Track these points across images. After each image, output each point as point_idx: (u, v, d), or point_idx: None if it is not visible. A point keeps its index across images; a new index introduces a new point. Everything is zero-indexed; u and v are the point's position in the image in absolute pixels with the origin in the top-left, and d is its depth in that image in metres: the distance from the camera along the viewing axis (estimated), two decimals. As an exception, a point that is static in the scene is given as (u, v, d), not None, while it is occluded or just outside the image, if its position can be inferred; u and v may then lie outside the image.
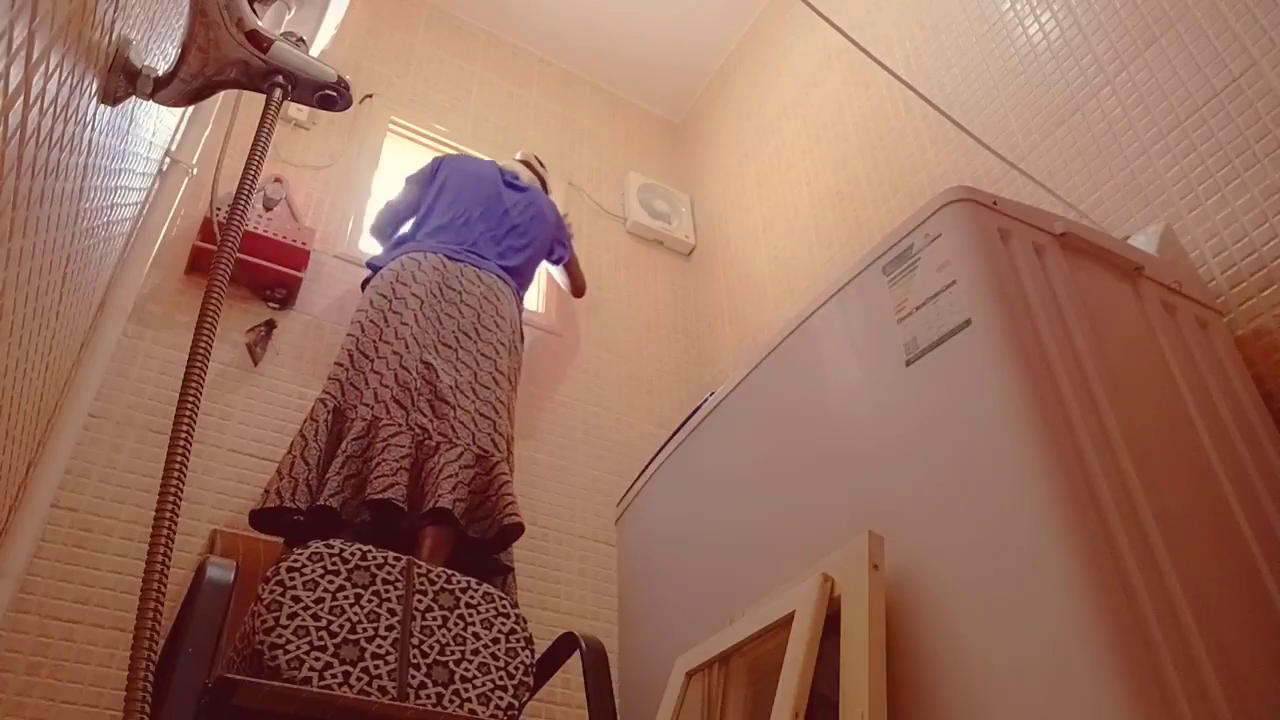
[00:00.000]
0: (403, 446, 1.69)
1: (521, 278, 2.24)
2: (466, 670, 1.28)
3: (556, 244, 2.47)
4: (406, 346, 1.83)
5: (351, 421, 1.72)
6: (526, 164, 2.57)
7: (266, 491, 1.60)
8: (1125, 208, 1.60)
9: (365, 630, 1.23)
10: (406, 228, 2.25)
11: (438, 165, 2.36)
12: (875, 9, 2.55)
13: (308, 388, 2.12)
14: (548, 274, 2.84)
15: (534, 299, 2.80)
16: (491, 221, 2.22)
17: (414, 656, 1.25)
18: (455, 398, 1.81)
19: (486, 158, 2.53)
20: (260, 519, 1.60)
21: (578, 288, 2.66)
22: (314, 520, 1.59)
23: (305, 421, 1.71)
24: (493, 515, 1.71)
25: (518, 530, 1.71)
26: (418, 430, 1.74)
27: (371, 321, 1.87)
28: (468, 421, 1.79)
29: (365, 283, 2.11)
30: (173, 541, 0.89)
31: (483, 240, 2.17)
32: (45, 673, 1.57)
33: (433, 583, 1.35)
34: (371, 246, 2.51)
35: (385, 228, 2.28)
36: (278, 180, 2.33)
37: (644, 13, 3.29)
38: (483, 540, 1.70)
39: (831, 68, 2.72)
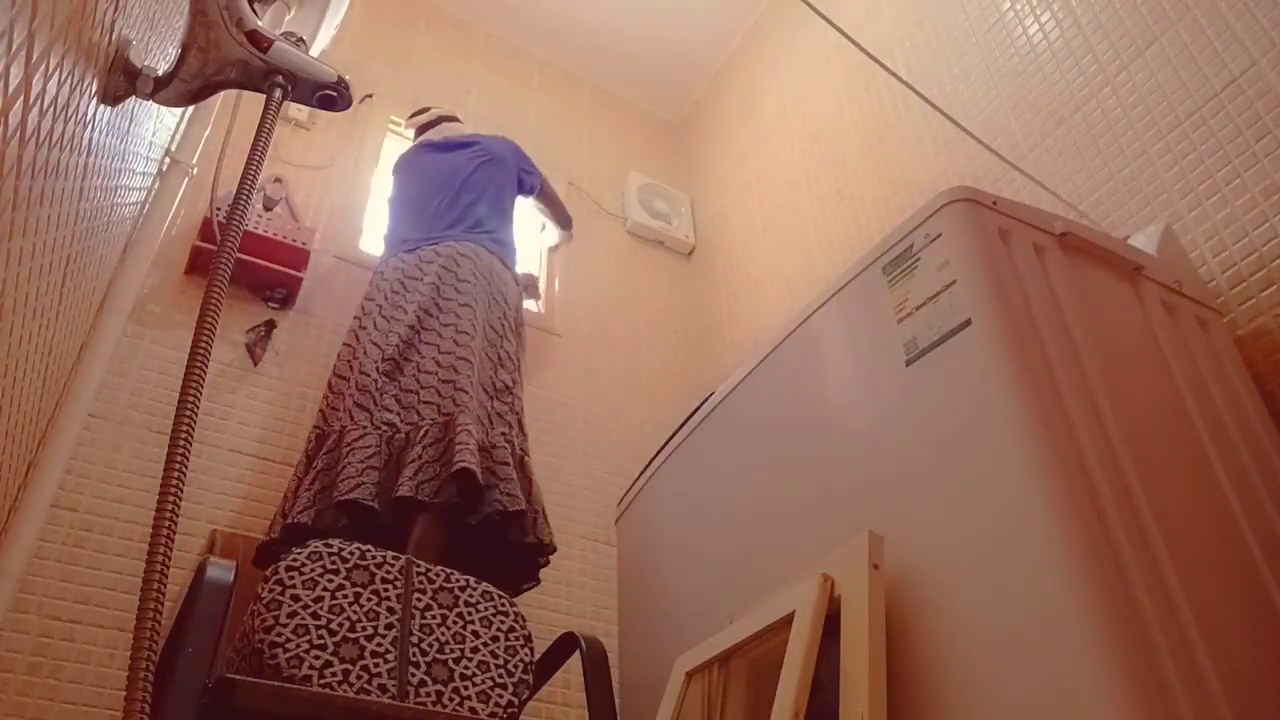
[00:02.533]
0: (369, 447, 1.68)
1: (492, 223, 2.18)
2: (466, 668, 1.28)
3: (522, 173, 2.41)
4: (366, 353, 1.84)
5: (326, 439, 1.74)
6: (441, 120, 2.52)
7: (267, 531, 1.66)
8: (1125, 208, 1.60)
9: (364, 628, 1.23)
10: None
11: (393, 173, 2.39)
12: (875, 9, 2.55)
13: (308, 388, 2.12)
14: (545, 273, 2.85)
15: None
16: (439, 196, 2.19)
17: (413, 655, 1.25)
18: (419, 381, 1.79)
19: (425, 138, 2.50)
20: (260, 559, 1.65)
21: (561, 217, 2.61)
22: (294, 540, 1.57)
23: (299, 459, 1.76)
24: (447, 468, 1.65)
25: (465, 475, 1.62)
26: (384, 428, 1.72)
27: (346, 345, 1.91)
28: (431, 398, 1.76)
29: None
30: (173, 541, 0.89)
31: (438, 218, 2.14)
32: (45, 673, 1.57)
33: (432, 581, 1.35)
34: (372, 246, 2.51)
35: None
36: (278, 180, 2.33)
37: (644, 13, 3.29)
38: (463, 506, 1.66)
39: (831, 67, 2.72)
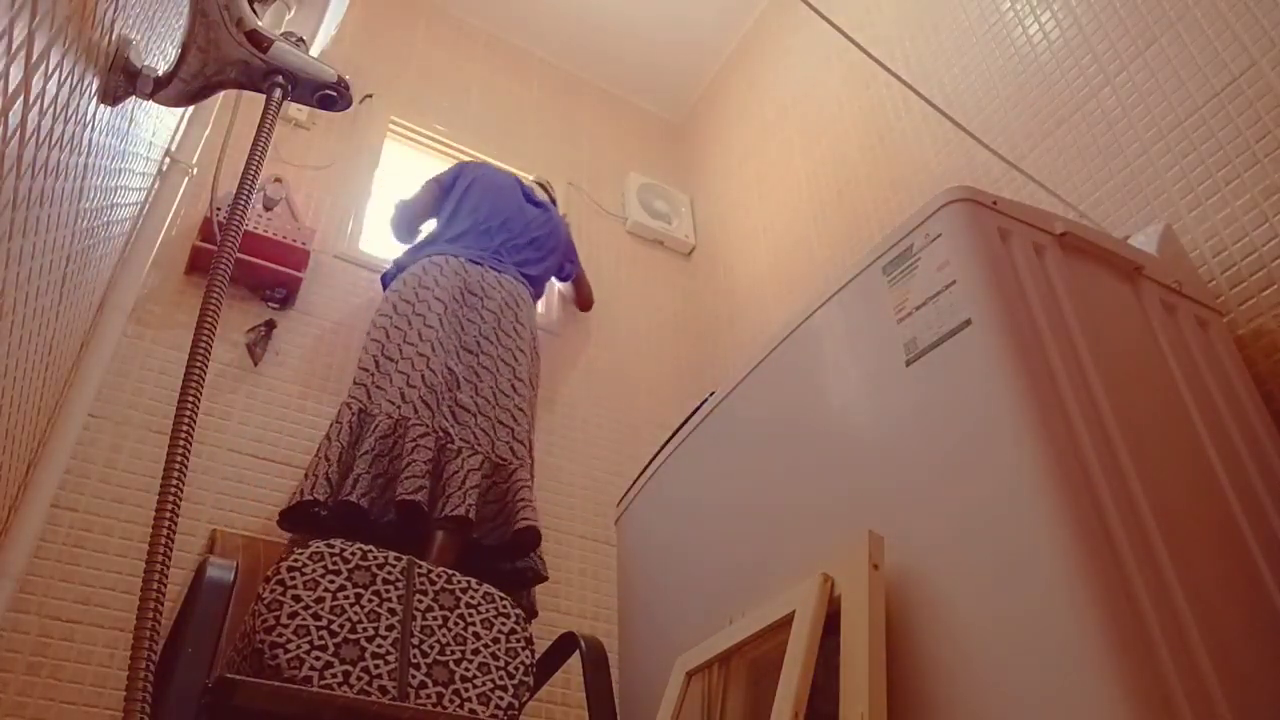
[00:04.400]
0: (429, 449, 1.71)
1: (537, 287, 2.29)
2: (467, 670, 1.28)
3: (566, 261, 2.54)
4: (432, 349, 1.86)
5: (376, 421, 1.74)
6: (540, 185, 2.63)
7: (294, 493, 1.66)
8: (1125, 208, 1.60)
9: (365, 630, 1.23)
10: (430, 228, 2.29)
11: (460, 170, 2.40)
12: (875, 9, 2.55)
13: (308, 388, 2.12)
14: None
15: (534, 299, 2.80)
16: (513, 231, 2.27)
17: (414, 656, 1.25)
18: (476, 405, 1.84)
19: (506, 169, 2.57)
20: (288, 518, 1.66)
21: (585, 301, 2.72)
22: (341, 516, 1.62)
23: (331, 425, 1.76)
24: (508, 521, 1.73)
25: (531, 535, 1.72)
26: (440, 433, 1.77)
27: (395, 326, 1.91)
28: (488, 429, 1.82)
29: (384, 279, 2.17)
30: (173, 541, 0.89)
31: (504, 248, 2.21)
32: (45, 673, 1.57)
33: (433, 583, 1.35)
34: (372, 247, 2.51)
35: (403, 226, 2.32)
36: (278, 180, 2.33)
37: (644, 13, 3.29)
38: (498, 547, 1.73)
39: (831, 67, 2.72)
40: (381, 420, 1.73)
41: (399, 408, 1.75)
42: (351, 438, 1.72)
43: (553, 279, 2.56)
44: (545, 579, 1.83)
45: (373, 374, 1.83)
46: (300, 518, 1.65)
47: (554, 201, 2.63)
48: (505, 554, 1.77)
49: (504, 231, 2.24)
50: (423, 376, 1.81)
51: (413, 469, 1.66)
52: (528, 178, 2.67)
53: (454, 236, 2.17)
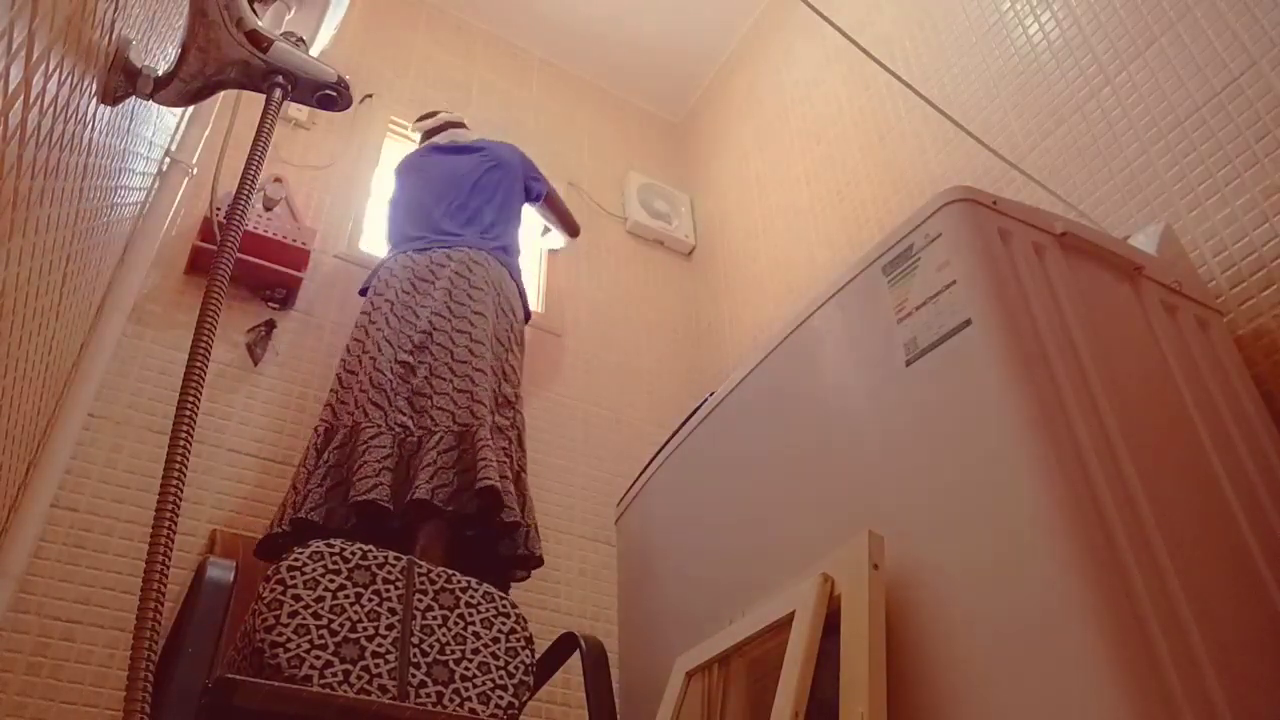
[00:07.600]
0: (384, 447, 1.68)
1: (500, 228, 2.19)
2: (466, 669, 1.28)
3: (530, 181, 2.42)
4: (380, 349, 1.85)
5: (335, 433, 1.73)
6: (448, 125, 2.51)
7: (269, 525, 1.66)
8: (1125, 208, 1.60)
9: (365, 629, 1.23)
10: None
11: (396, 176, 2.37)
12: (875, 9, 2.55)
13: (308, 388, 2.12)
14: (545, 273, 2.85)
15: (534, 299, 2.80)
16: (448, 198, 2.20)
17: (414, 655, 1.25)
18: (432, 385, 1.80)
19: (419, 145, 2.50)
20: (264, 549, 1.66)
21: (569, 226, 2.59)
22: (300, 536, 1.58)
23: (304, 450, 1.75)
24: (472, 487, 1.67)
25: (491, 495, 1.63)
26: (398, 429, 1.73)
27: (356, 340, 1.92)
28: (445, 404, 1.77)
29: (361, 292, 2.16)
30: (173, 541, 0.89)
31: (449, 218, 2.15)
32: (45, 673, 1.57)
33: (433, 582, 1.35)
34: (372, 247, 2.51)
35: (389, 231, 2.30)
36: (278, 180, 2.33)
37: (644, 13, 3.29)
38: (475, 518, 1.67)
39: (831, 67, 2.72)
40: (339, 432, 1.72)
41: (352, 415, 1.74)
42: (318, 459, 1.71)
43: (533, 210, 2.44)
44: (540, 561, 1.77)
45: (338, 391, 1.82)
46: (274, 549, 1.64)
47: (460, 123, 2.50)
48: (482, 529, 1.70)
49: (439, 205, 2.18)
50: (370, 379, 1.79)
51: (364, 470, 1.62)
52: (422, 127, 2.55)
53: (398, 236, 2.16)
